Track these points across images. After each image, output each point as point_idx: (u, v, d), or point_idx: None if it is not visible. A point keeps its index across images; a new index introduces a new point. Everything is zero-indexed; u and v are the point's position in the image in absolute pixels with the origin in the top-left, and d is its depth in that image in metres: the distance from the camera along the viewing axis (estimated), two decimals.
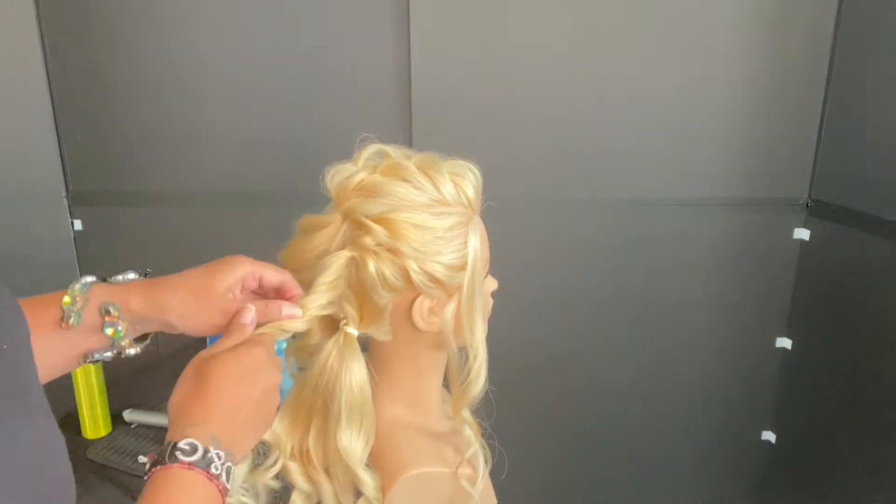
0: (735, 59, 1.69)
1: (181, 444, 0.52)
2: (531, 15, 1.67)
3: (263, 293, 0.69)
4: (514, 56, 1.70)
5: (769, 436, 1.96)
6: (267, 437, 0.71)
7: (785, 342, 1.87)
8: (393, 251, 0.66)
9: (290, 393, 0.74)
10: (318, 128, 1.75)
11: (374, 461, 0.74)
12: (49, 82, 1.77)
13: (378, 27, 1.69)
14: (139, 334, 0.66)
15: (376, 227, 0.65)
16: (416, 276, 0.67)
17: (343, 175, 0.70)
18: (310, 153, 1.74)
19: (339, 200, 0.70)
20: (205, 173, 1.82)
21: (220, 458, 0.52)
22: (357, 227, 0.67)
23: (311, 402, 0.71)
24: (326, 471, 0.73)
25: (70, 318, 0.61)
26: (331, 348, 0.69)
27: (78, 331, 0.62)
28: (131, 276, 0.67)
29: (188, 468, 0.51)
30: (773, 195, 1.77)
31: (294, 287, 0.68)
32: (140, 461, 1.26)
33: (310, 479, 0.74)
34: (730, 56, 1.69)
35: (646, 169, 1.76)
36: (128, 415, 1.41)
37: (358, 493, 0.73)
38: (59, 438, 0.48)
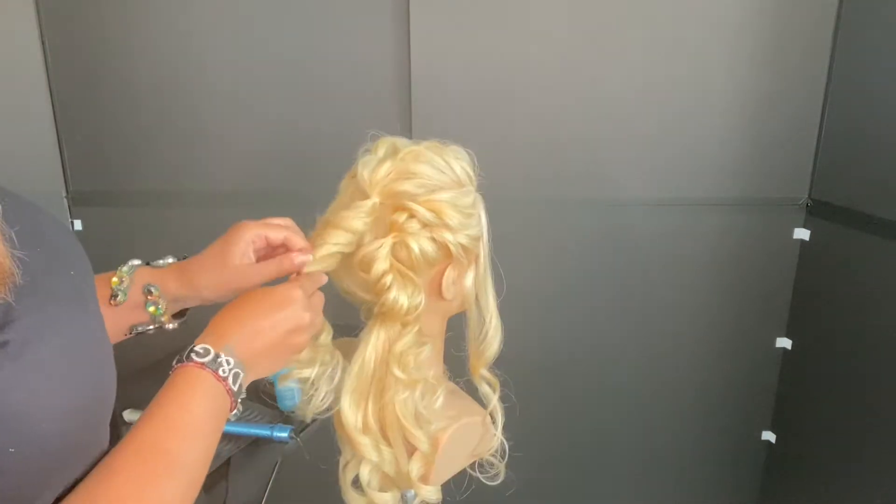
0: (735, 59, 1.69)
1: (196, 348, 0.61)
2: (531, 15, 1.67)
3: (274, 253, 0.76)
4: (515, 56, 1.70)
5: (769, 436, 1.96)
6: (342, 427, 0.78)
7: (785, 342, 1.87)
8: (435, 228, 0.74)
9: (351, 377, 0.78)
10: (317, 128, 1.75)
11: (420, 419, 0.81)
12: (49, 82, 1.77)
13: (378, 27, 1.69)
14: (178, 310, 0.77)
15: (423, 209, 0.73)
16: (455, 248, 0.75)
17: (371, 165, 0.75)
18: (309, 153, 1.75)
19: (372, 187, 0.74)
20: (205, 173, 1.82)
21: (228, 363, 0.61)
22: (398, 211, 0.73)
23: (367, 381, 0.78)
24: (385, 438, 0.80)
25: (118, 296, 0.72)
26: (376, 330, 0.77)
27: (124, 307, 0.73)
28: (170, 260, 0.77)
29: (200, 367, 0.60)
30: (773, 195, 1.77)
31: (298, 240, 0.74)
32: None
33: (378, 449, 0.80)
34: (730, 56, 1.69)
35: (646, 169, 1.76)
36: (128, 415, 1.41)
37: (410, 452, 0.80)
38: (109, 346, 0.58)
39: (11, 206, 0.50)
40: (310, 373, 0.78)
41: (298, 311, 0.67)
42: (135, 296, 0.73)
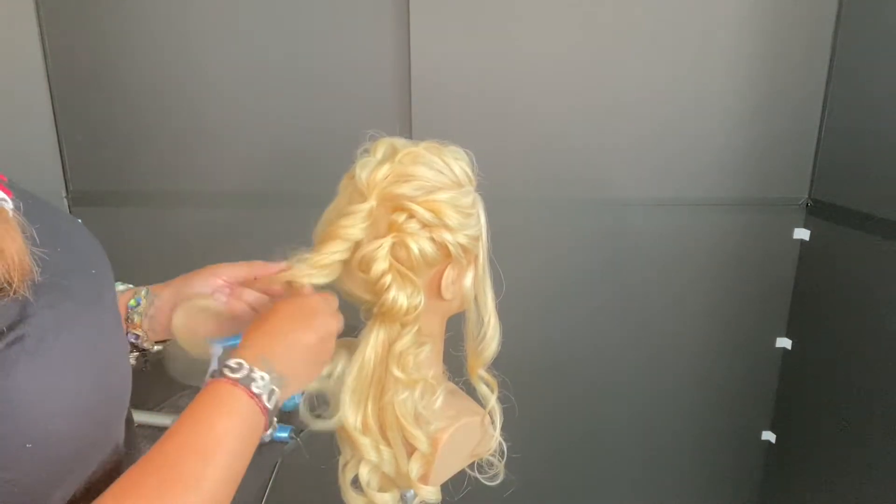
0: (735, 58, 1.69)
1: (230, 362, 0.58)
2: (531, 15, 1.67)
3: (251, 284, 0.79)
4: (515, 56, 1.70)
5: (769, 436, 1.96)
6: (339, 423, 0.78)
7: (785, 342, 1.87)
8: (434, 228, 0.74)
9: (351, 378, 0.78)
10: (317, 128, 1.75)
11: (419, 419, 0.82)
12: (49, 82, 1.77)
13: (378, 27, 1.69)
14: (161, 337, 0.77)
15: (422, 210, 0.73)
16: (454, 249, 0.76)
17: (370, 167, 0.75)
18: (310, 153, 1.75)
19: (370, 189, 0.74)
20: (204, 174, 1.82)
21: (263, 379, 0.58)
22: (397, 211, 0.73)
23: (366, 381, 0.78)
24: (384, 438, 0.80)
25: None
26: (376, 330, 0.77)
27: None
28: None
29: (232, 384, 0.57)
30: (773, 195, 1.77)
31: (267, 267, 0.77)
32: None
33: (378, 450, 0.80)
34: (730, 56, 1.69)
35: (646, 169, 1.76)
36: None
37: (409, 453, 0.81)
38: (126, 344, 0.59)
39: (31, 206, 0.51)
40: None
41: (329, 318, 0.69)
42: (122, 308, 0.75)
